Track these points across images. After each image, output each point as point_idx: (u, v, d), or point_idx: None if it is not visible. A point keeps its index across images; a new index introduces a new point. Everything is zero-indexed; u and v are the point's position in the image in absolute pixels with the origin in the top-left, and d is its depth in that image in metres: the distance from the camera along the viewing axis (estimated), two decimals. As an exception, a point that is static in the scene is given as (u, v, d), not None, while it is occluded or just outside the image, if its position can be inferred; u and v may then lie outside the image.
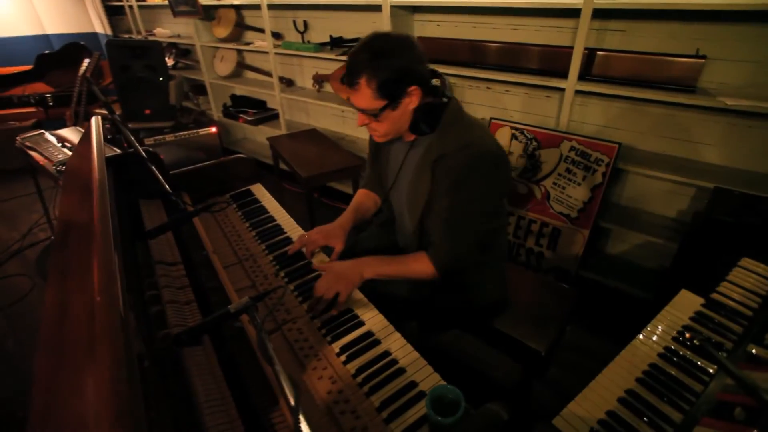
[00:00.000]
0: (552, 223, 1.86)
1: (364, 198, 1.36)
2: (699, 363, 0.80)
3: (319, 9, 2.75)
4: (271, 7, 2.80)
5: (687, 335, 0.81)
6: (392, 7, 2.12)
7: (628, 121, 1.84)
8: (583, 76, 1.76)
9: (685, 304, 0.96)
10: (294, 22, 2.86)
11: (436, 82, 1.08)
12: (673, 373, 0.79)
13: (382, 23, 2.17)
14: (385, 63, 0.94)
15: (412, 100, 1.01)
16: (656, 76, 1.62)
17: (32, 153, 2.16)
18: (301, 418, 0.44)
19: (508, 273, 1.44)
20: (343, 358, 0.86)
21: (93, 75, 3.63)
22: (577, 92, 1.77)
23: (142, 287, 0.90)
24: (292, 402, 0.46)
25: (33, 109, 3.99)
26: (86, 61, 3.53)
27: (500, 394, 1.53)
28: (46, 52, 4.23)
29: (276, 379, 0.52)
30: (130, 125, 3.05)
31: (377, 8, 2.17)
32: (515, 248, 2.01)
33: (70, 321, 0.50)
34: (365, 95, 0.97)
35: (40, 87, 4.22)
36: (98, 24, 4.83)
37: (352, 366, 0.84)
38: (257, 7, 2.78)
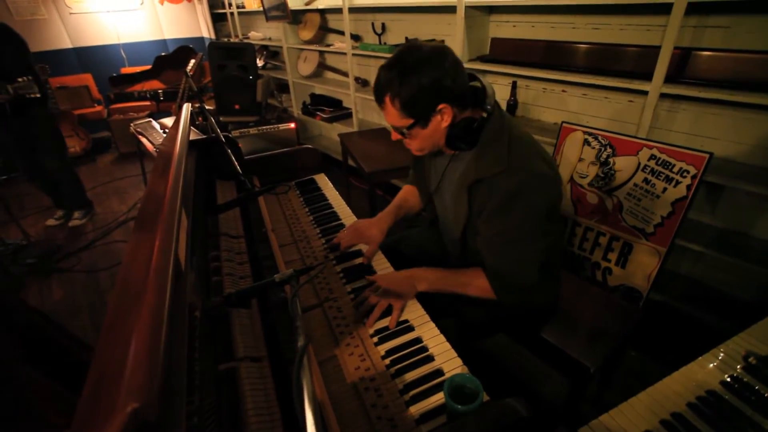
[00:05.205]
0: (623, 237, 1.70)
1: (409, 194, 1.36)
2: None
3: (396, 11, 2.82)
4: (352, 10, 2.93)
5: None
6: (467, 7, 2.11)
7: (727, 130, 1.63)
8: (674, 79, 1.59)
9: (768, 334, 0.83)
10: (372, 24, 2.97)
11: (476, 84, 1.00)
12: (737, 406, 0.70)
13: (457, 24, 2.17)
14: (408, 81, 0.88)
15: (444, 118, 0.94)
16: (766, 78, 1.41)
17: (141, 138, 2.51)
18: (305, 362, 0.48)
19: (568, 285, 1.36)
20: (375, 339, 0.89)
21: (196, 74, 4.10)
22: (665, 96, 1.61)
23: (208, 254, 1.02)
24: (300, 343, 0.50)
25: (148, 103, 4.64)
26: (192, 62, 4.00)
27: (539, 406, 1.45)
28: (162, 54, 4.89)
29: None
30: (221, 118, 3.39)
31: (452, 9, 2.17)
32: (580, 261, 1.88)
33: (135, 266, 0.60)
34: (392, 113, 0.94)
35: (155, 84, 4.88)
36: (205, 29, 5.45)
37: (383, 348, 0.87)
38: (339, 10, 2.93)
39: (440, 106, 0.91)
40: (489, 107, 0.97)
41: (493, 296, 1.01)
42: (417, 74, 0.87)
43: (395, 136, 1.02)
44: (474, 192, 0.99)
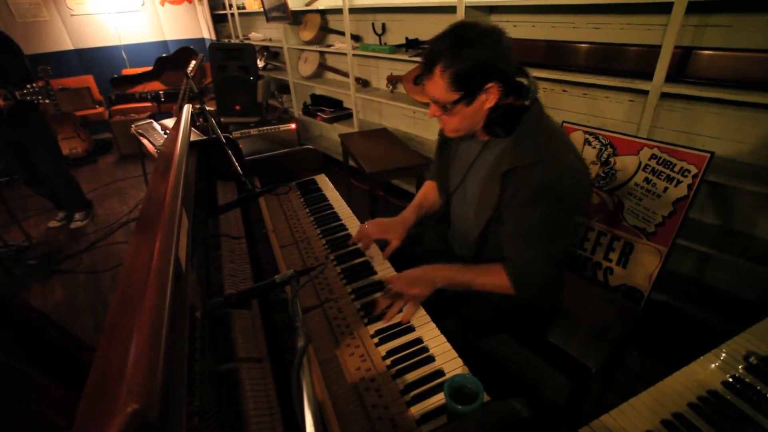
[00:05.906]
0: (624, 237, 1.70)
1: (429, 192, 1.34)
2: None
3: (396, 12, 2.82)
4: (352, 11, 2.94)
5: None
6: (467, 7, 2.11)
7: (728, 129, 1.62)
8: (675, 78, 1.59)
9: (770, 334, 0.83)
10: (373, 24, 2.97)
11: (522, 80, 0.99)
12: (739, 405, 0.69)
13: (457, 24, 2.17)
14: (465, 53, 0.86)
15: (489, 98, 0.92)
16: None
17: (143, 139, 2.52)
18: (305, 362, 0.48)
19: (569, 285, 1.36)
20: (376, 340, 0.89)
21: (196, 75, 4.10)
22: (666, 95, 1.60)
23: (208, 255, 1.02)
24: (300, 344, 0.50)
25: (149, 104, 4.65)
26: (193, 63, 4.00)
27: (540, 406, 1.45)
28: (163, 55, 4.89)
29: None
30: (222, 119, 3.39)
31: (452, 10, 2.17)
32: (581, 261, 1.87)
33: (136, 267, 0.60)
34: (439, 85, 0.91)
35: (156, 85, 4.89)
36: (206, 30, 5.46)
37: (384, 348, 0.87)
38: (340, 11, 2.93)
39: (489, 85, 0.90)
40: (532, 97, 0.96)
41: (512, 291, 1.00)
42: (474, 48, 0.86)
43: (433, 111, 0.98)
44: (506, 181, 0.97)
